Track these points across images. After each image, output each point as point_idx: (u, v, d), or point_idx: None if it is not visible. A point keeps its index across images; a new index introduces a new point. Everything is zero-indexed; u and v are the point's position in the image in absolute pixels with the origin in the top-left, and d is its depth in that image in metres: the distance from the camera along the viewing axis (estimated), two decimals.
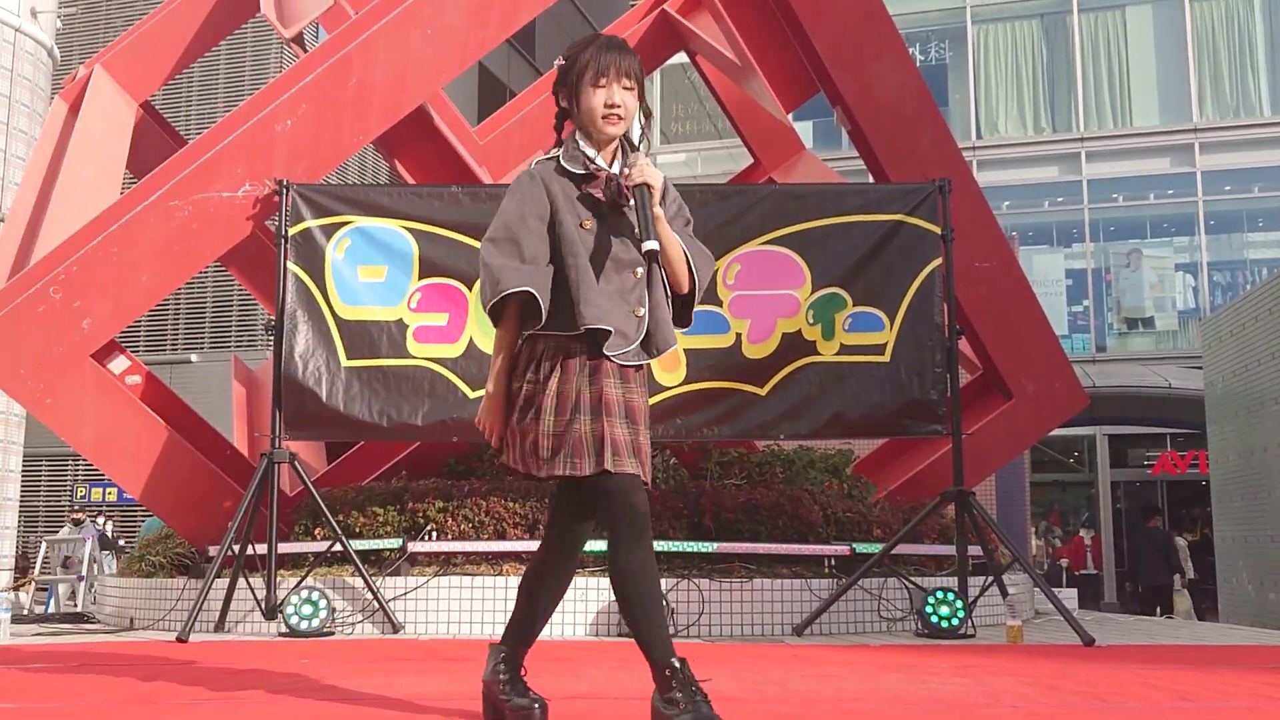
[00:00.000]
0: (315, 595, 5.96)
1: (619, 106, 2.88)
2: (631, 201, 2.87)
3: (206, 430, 7.40)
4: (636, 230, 2.84)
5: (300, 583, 6.10)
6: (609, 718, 3.11)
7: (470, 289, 6.45)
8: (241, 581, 6.13)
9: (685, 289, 2.99)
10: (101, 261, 6.45)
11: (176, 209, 6.53)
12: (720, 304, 6.57)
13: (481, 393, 6.41)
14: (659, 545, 6.21)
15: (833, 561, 6.52)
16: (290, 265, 6.40)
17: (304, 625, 5.88)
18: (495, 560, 6.30)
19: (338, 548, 6.14)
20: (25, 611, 10.52)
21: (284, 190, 6.42)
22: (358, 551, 6.14)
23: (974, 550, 6.42)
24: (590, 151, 2.93)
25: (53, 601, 12.71)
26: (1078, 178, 21.94)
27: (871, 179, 7.72)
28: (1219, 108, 21.67)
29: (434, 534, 6.40)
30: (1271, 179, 21.21)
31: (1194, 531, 19.72)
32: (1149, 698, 3.47)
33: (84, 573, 11.68)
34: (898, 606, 6.41)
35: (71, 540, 13.60)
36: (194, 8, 8.20)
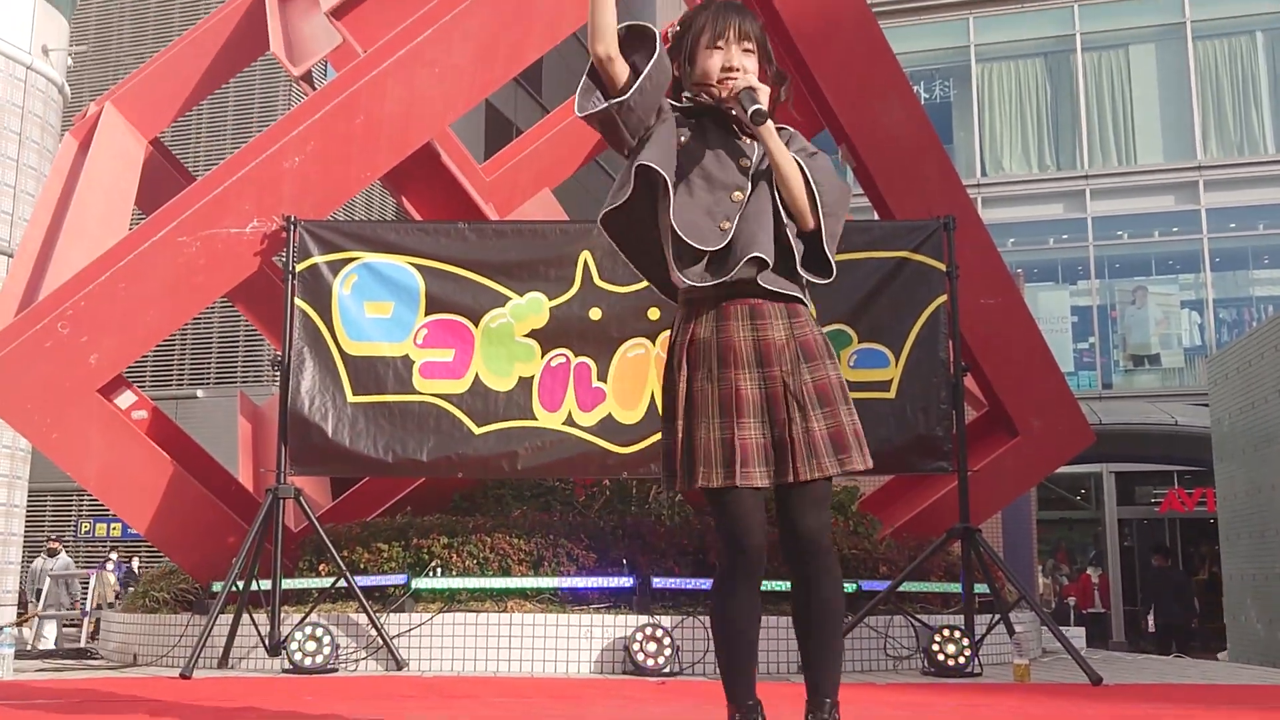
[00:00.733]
0: (319, 631, 5.93)
1: (737, 70, 2.66)
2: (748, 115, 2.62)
3: (212, 465, 7.40)
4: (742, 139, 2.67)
5: (304, 619, 6.07)
6: None
7: (476, 325, 6.46)
8: (245, 617, 6.11)
9: (810, 220, 2.69)
10: (109, 297, 6.46)
11: (184, 245, 6.56)
12: None
13: (487, 429, 6.46)
14: (659, 583, 6.19)
15: None
16: (297, 301, 6.42)
17: (308, 661, 5.86)
18: (500, 597, 6.27)
19: (342, 584, 6.13)
20: (28, 647, 10.49)
21: (291, 226, 6.44)
22: (362, 587, 6.12)
23: (981, 588, 6.39)
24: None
25: (53, 637, 12.66)
26: (1083, 215, 22.00)
27: (876, 216, 7.74)
28: (1223, 145, 21.75)
29: (438, 570, 6.38)
30: (1276, 216, 21.25)
31: (1201, 570, 19.60)
32: None
33: (88, 609, 11.63)
34: (904, 644, 6.36)
35: (43, 572, 13.60)
36: (203, 46, 8.26)
